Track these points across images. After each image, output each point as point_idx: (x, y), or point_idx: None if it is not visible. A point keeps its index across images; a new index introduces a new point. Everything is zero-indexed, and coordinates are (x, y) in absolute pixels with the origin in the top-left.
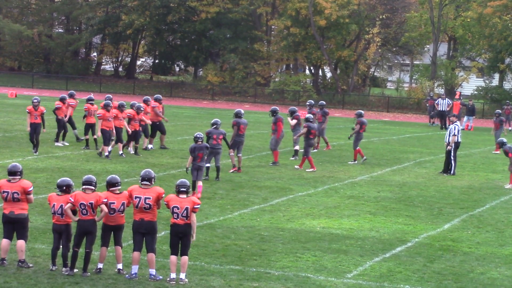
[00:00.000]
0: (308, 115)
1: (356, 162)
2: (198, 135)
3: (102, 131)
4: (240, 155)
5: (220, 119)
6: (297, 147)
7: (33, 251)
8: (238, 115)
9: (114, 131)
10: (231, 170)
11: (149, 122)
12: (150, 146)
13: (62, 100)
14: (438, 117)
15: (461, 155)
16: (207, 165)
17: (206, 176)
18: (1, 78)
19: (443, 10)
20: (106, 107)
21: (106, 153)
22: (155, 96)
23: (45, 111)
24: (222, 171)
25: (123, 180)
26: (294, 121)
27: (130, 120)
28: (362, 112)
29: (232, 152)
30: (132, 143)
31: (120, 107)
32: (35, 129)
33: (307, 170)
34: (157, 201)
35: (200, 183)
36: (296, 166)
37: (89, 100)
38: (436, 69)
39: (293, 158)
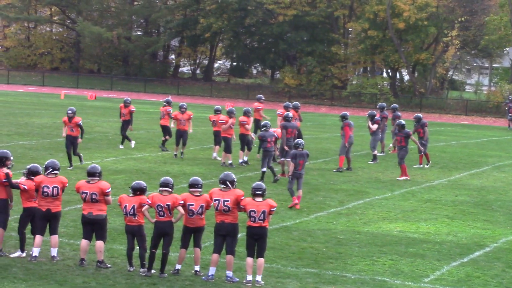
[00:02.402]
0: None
1: (428, 164)
2: (300, 141)
3: (224, 138)
4: (289, 159)
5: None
6: (375, 152)
7: (111, 252)
8: (286, 118)
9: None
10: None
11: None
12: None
13: (168, 103)
14: None
15: None
16: (263, 169)
17: (262, 180)
18: (81, 81)
19: None
20: (230, 114)
21: (230, 161)
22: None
23: (80, 121)
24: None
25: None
26: (375, 126)
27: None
28: (421, 115)
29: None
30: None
31: (247, 114)
32: (71, 142)
33: (397, 178)
34: (236, 204)
35: (300, 192)
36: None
37: (168, 102)
38: None
39: (371, 162)
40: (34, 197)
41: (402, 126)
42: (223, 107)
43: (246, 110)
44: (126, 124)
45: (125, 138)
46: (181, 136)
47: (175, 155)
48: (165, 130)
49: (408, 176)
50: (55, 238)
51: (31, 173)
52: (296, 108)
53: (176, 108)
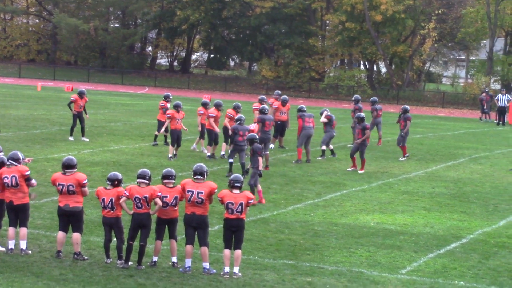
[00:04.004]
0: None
1: (405, 158)
2: (255, 136)
3: (208, 131)
4: (267, 152)
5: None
6: (324, 147)
7: (88, 244)
8: (262, 111)
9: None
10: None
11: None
12: (271, 145)
13: (165, 98)
14: (497, 112)
15: None
16: (230, 160)
17: (230, 172)
18: (58, 72)
19: (500, 5)
20: (218, 106)
21: (209, 153)
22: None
23: None
24: (274, 166)
25: (178, 174)
26: (324, 119)
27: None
28: (407, 107)
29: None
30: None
31: (236, 108)
32: None
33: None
34: (209, 196)
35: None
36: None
37: (166, 97)
38: (492, 65)
39: (320, 158)
40: None
41: (361, 119)
42: (200, 98)
43: (236, 105)
44: (80, 115)
45: (79, 130)
46: (178, 136)
47: (170, 157)
48: (160, 125)
49: (356, 167)
50: (22, 231)
51: None
52: (284, 102)
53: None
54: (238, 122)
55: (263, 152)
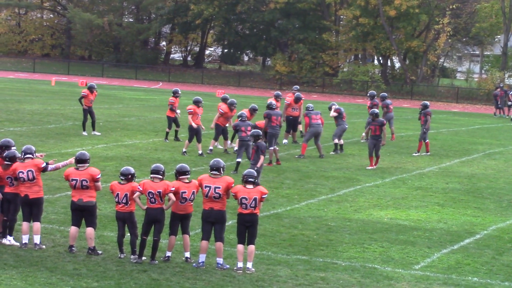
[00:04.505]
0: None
1: (419, 153)
2: (260, 132)
3: (217, 126)
4: (277, 148)
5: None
6: (336, 141)
7: (102, 239)
8: (270, 106)
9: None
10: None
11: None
12: (284, 141)
13: (174, 93)
14: (510, 108)
15: None
16: (238, 159)
17: (235, 171)
18: (72, 67)
19: None
20: (230, 105)
21: (211, 147)
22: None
23: None
24: (287, 161)
25: (191, 169)
26: (334, 113)
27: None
28: (427, 103)
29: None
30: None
31: (231, 105)
32: None
33: (366, 168)
34: (226, 191)
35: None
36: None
37: (175, 93)
38: (507, 60)
39: (333, 153)
40: (7, 183)
41: (376, 115)
42: (214, 93)
43: (252, 107)
44: (91, 110)
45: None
46: (198, 132)
47: (184, 152)
48: (170, 121)
49: (373, 165)
50: (36, 225)
51: (8, 159)
52: (297, 99)
53: (184, 100)
54: (240, 119)
55: (273, 146)
